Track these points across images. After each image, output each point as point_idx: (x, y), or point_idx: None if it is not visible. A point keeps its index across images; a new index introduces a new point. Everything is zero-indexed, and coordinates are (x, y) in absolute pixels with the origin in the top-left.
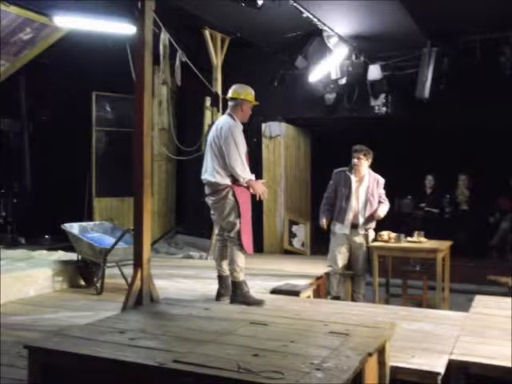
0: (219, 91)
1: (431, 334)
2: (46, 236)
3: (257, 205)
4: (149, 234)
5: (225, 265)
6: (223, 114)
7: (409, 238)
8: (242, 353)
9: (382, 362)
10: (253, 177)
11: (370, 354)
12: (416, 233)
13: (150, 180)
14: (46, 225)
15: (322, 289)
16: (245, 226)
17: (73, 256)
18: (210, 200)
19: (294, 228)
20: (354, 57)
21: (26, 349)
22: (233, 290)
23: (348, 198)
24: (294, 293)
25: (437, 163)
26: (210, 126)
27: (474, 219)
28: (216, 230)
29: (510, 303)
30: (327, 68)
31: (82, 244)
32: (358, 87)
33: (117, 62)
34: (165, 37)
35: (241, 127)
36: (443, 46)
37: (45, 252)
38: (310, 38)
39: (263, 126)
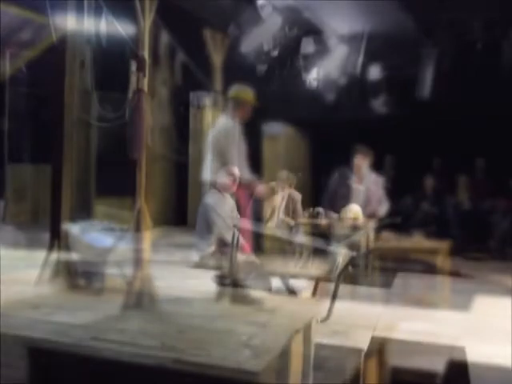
0: (219, 91)
1: (431, 334)
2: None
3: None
4: (149, 234)
5: (225, 265)
6: (223, 114)
7: (409, 238)
8: (243, 353)
9: (382, 362)
10: (253, 177)
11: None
12: (416, 233)
13: (144, 182)
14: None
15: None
16: (245, 226)
17: (73, 256)
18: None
19: None
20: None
21: (26, 349)
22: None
23: (348, 198)
24: (294, 293)
25: (437, 163)
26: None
27: (474, 219)
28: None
29: (510, 303)
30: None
31: (82, 244)
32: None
33: (117, 62)
34: (165, 37)
35: (240, 127)
36: (443, 46)
37: (45, 252)
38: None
39: (262, 125)
